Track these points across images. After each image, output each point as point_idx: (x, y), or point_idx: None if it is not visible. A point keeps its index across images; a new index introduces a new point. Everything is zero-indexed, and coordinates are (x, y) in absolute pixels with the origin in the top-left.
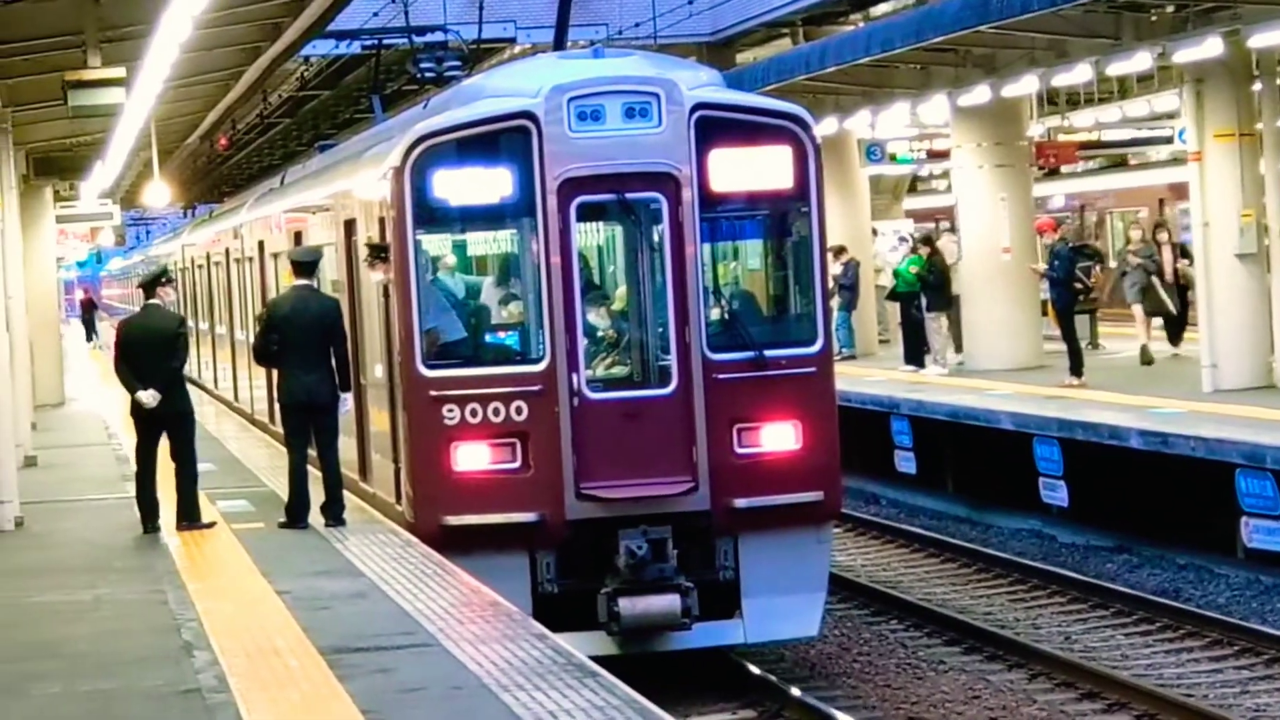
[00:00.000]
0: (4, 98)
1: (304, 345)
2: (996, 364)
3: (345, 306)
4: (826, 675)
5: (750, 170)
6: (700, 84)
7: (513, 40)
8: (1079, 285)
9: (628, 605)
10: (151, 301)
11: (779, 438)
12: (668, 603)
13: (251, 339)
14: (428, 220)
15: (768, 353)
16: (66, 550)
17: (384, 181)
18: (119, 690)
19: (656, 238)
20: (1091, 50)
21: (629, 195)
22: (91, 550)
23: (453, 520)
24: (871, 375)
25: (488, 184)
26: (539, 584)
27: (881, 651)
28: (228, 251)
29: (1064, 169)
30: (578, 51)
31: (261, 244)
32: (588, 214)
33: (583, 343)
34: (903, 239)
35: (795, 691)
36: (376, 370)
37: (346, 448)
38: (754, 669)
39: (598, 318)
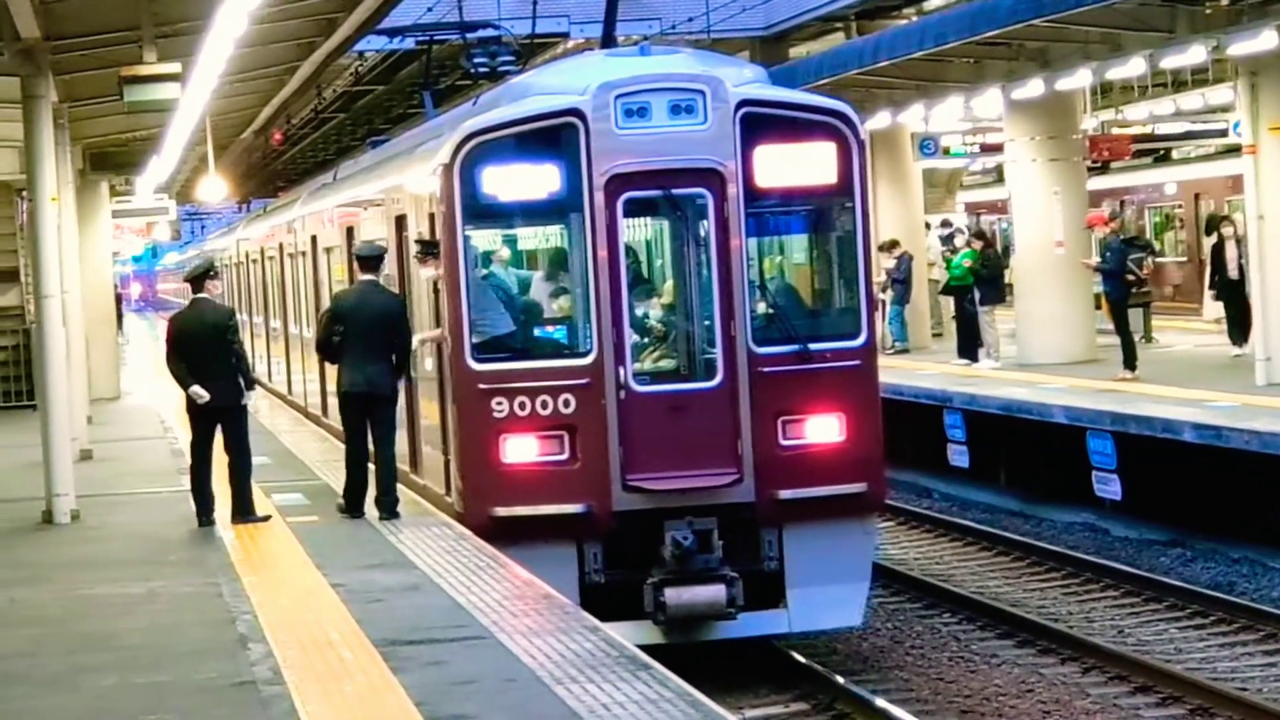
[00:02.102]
0: (61, 93)
1: (366, 338)
2: (1049, 357)
3: None
4: (879, 668)
5: (795, 166)
6: (745, 81)
7: (566, 35)
8: (1131, 277)
9: (673, 595)
10: (200, 295)
11: (823, 430)
12: (713, 593)
13: (305, 333)
14: (477, 215)
15: (812, 346)
16: (121, 543)
17: (434, 177)
18: (173, 683)
19: (702, 232)
20: (1146, 43)
21: (675, 190)
22: (146, 543)
23: (501, 511)
24: (925, 369)
25: (536, 180)
26: (586, 574)
27: (934, 645)
28: (281, 246)
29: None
30: (625, 49)
31: (314, 239)
32: (634, 209)
33: (630, 336)
34: (958, 231)
35: (849, 685)
36: (427, 364)
37: (398, 440)
38: (806, 661)
39: (645, 311)
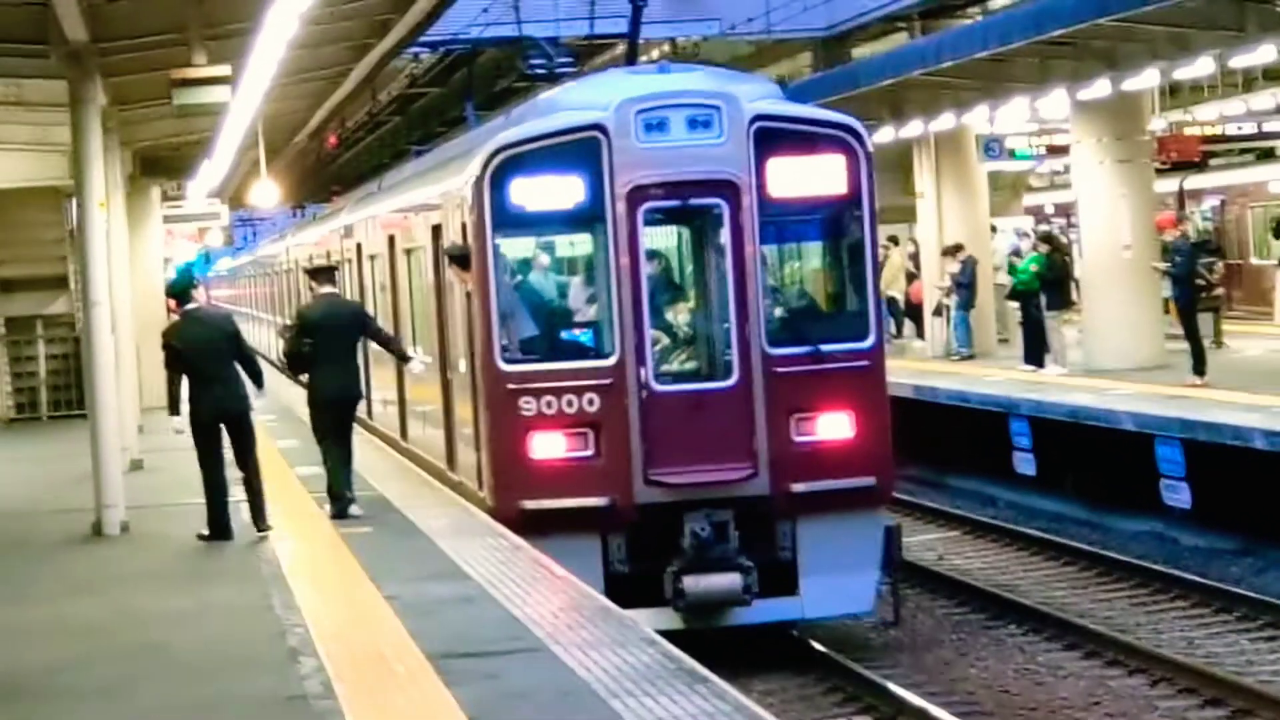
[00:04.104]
0: (109, 96)
1: (338, 347)
2: (1117, 363)
3: (433, 305)
4: (942, 680)
5: (806, 177)
6: (759, 96)
7: (624, 35)
8: (1201, 281)
9: (692, 583)
10: (192, 306)
11: (834, 427)
12: (729, 581)
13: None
14: (506, 225)
15: (823, 347)
16: (172, 555)
17: (466, 188)
18: (223, 696)
19: (719, 241)
20: (1214, 42)
21: (693, 201)
22: (197, 555)
23: (530, 504)
24: (990, 375)
25: (561, 191)
26: (610, 564)
27: (999, 656)
28: (328, 254)
29: None
30: (645, 67)
31: (359, 246)
32: (654, 219)
33: (650, 338)
34: (1024, 234)
35: (913, 698)
36: (460, 366)
37: (434, 439)
38: (869, 674)
39: (672, 316)
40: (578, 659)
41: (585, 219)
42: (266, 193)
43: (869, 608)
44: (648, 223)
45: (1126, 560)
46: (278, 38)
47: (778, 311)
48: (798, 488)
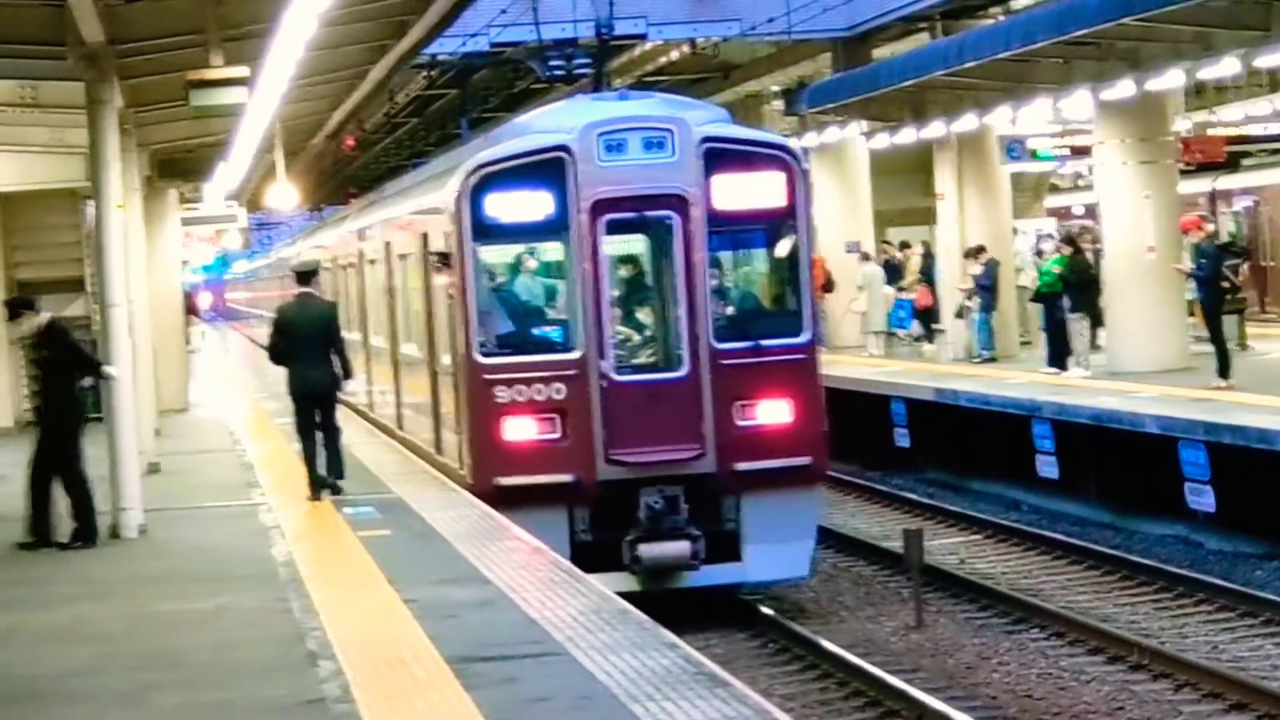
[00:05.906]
0: (126, 98)
1: (308, 344)
2: (1141, 366)
3: (422, 306)
4: (966, 685)
5: (749, 192)
6: (708, 120)
7: (644, 37)
8: (1226, 284)
9: (646, 550)
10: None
11: (774, 412)
12: (680, 548)
13: (360, 340)
14: (483, 234)
15: (763, 342)
16: (189, 558)
17: (448, 201)
18: (241, 701)
19: (672, 249)
20: (1240, 42)
21: (648, 213)
22: (214, 558)
23: (504, 481)
24: (1012, 378)
25: (532, 204)
26: (575, 534)
27: (1022, 661)
28: (336, 259)
29: None
30: (607, 94)
31: (361, 252)
32: (614, 229)
33: (609, 333)
34: (1048, 236)
35: (935, 703)
36: (445, 359)
37: (424, 426)
38: (891, 678)
39: (641, 316)
40: (597, 663)
41: (553, 229)
42: (284, 195)
43: (804, 573)
44: (608, 232)
45: (1150, 564)
46: (295, 39)
47: (724, 311)
48: (741, 466)
